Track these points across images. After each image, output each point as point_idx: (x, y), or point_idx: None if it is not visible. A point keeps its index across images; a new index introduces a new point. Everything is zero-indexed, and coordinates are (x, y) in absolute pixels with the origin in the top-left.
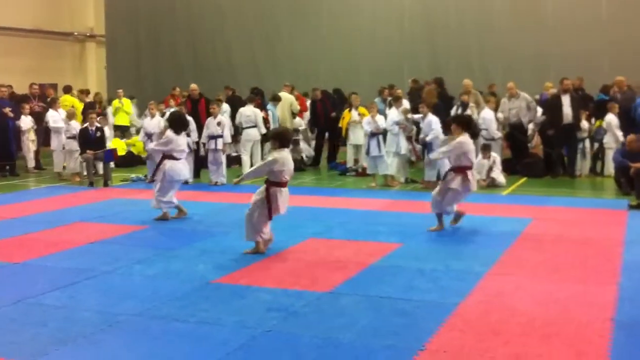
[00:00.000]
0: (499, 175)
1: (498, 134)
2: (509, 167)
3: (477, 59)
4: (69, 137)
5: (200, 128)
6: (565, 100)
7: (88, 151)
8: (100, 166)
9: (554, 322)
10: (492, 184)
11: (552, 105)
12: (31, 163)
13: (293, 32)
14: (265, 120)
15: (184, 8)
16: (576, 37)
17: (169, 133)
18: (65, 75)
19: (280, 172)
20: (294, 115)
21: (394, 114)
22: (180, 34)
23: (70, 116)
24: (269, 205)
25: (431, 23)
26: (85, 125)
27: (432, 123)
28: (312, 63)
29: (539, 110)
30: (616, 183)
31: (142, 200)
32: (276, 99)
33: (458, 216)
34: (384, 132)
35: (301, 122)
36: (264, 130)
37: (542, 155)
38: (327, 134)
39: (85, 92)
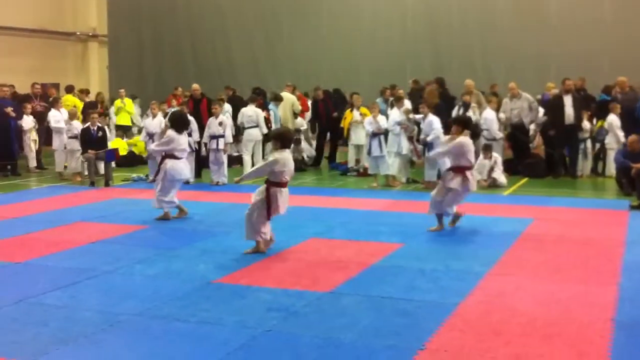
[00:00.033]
0: (500, 176)
1: (499, 135)
2: (510, 168)
3: (479, 59)
4: (70, 137)
5: (201, 128)
6: (567, 100)
7: (89, 151)
8: (101, 166)
9: (555, 323)
10: (493, 184)
11: (553, 106)
12: (33, 163)
13: (294, 32)
14: (267, 120)
15: (185, 8)
16: (578, 37)
17: (170, 132)
18: (68, 75)
19: (281, 173)
20: (295, 115)
21: (395, 114)
22: (181, 34)
23: (72, 116)
24: (268, 205)
25: (433, 23)
26: (86, 125)
27: (433, 123)
28: (313, 63)
29: (541, 110)
30: (617, 184)
31: (143, 200)
32: (278, 99)
33: (456, 217)
34: (386, 132)
35: (303, 122)
36: (265, 130)
37: (543, 156)
38: (328, 134)
39: (85, 91)
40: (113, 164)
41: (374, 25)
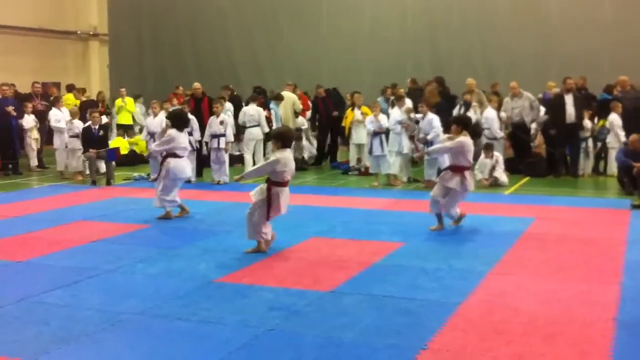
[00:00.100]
0: (501, 175)
1: (500, 134)
2: (511, 167)
3: (480, 58)
4: (71, 136)
5: (203, 127)
6: (568, 99)
7: (91, 150)
8: (102, 165)
9: (557, 322)
10: (494, 184)
11: (555, 105)
12: (34, 162)
13: (294, 31)
14: (268, 119)
15: (185, 7)
16: (579, 36)
17: (171, 131)
18: (68, 74)
19: (282, 172)
20: (296, 114)
21: (396, 113)
22: (182, 33)
23: (74, 115)
24: (269, 205)
25: (433, 22)
26: (88, 124)
27: (433, 121)
28: (314, 62)
29: (542, 109)
30: (619, 183)
31: (144, 199)
32: (279, 98)
33: (459, 217)
34: (387, 132)
35: (304, 121)
36: (267, 129)
37: (544, 155)
38: (329, 133)
39: (82, 90)
40: (113, 163)
41: (374, 25)
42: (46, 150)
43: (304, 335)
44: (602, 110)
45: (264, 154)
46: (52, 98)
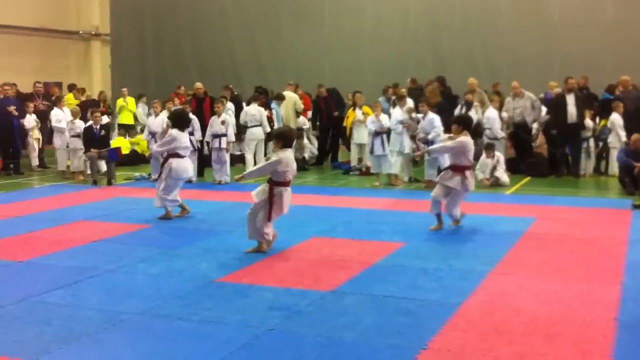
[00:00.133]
0: (502, 175)
1: (501, 134)
2: (512, 167)
3: (482, 58)
4: (73, 136)
5: (204, 127)
6: (570, 99)
7: (92, 150)
8: (102, 164)
9: (558, 322)
10: (495, 183)
11: (556, 105)
12: (35, 161)
13: (295, 31)
14: (269, 119)
15: (187, 7)
16: (581, 36)
17: (173, 131)
18: (70, 74)
19: (284, 172)
20: (298, 114)
21: (398, 113)
22: (184, 33)
23: (75, 114)
24: (271, 205)
25: (436, 22)
26: (89, 123)
27: (434, 121)
28: (316, 62)
29: (544, 109)
30: (620, 183)
31: (145, 199)
32: (280, 98)
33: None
34: (388, 131)
35: (305, 121)
36: (268, 129)
37: (546, 155)
38: (330, 133)
39: (81, 90)
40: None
41: (376, 24)
42: (47, 150)
43: (304, 335)
44: (604, 110)
45: (265, 154)
46: (53, 98)
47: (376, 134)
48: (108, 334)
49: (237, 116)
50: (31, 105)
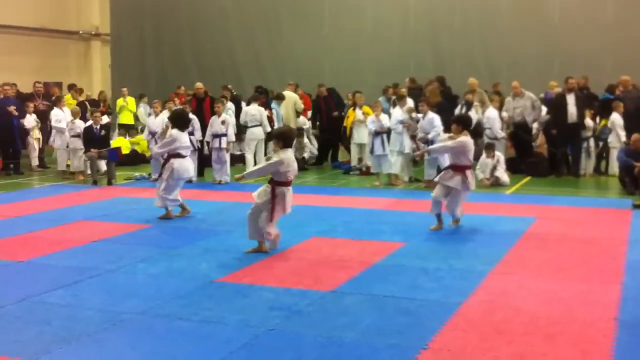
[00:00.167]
0: (502, 174)
1: (501, 134)
2: (513, 166)
3: (482, 58)
4: (73, 136)
5: (204, 127)
6: (570, 99)
7: (92, 150)
8: (102, 164)
9: (558, 322)
10: (496, 183)
11: (556, 104)
12: (35, 161)
13: (296, 30)
14: (269, 119)
15: (187, 7)
16: (581, 36)
17: (173, 131)
18: (70, 74)
19: (286, 172)
20: (298, 114)
21: (398, 112)
22: (184, 33)
23: (75, 114)
24: (274, 205)
25: (436, 22)
26: (89, 123)
27: (434, 120)
28: (316, 62)
29: (544, 109)
30: (620, 182)
31: (145, 198)
32: (280, 98)
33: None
34: (388, 131)
35: (305, 121)
36: (269, 129)
37: (546, 155)
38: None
39: (79, 90)
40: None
41: (376, 24)
42: (48, 150)
43: (304, 335)
44: (604, 109)
45: (265, 154)
46: (53, 98)
47: (376, 133)
48: (108, 334)
49: (237, 116)
50: (31, 105)
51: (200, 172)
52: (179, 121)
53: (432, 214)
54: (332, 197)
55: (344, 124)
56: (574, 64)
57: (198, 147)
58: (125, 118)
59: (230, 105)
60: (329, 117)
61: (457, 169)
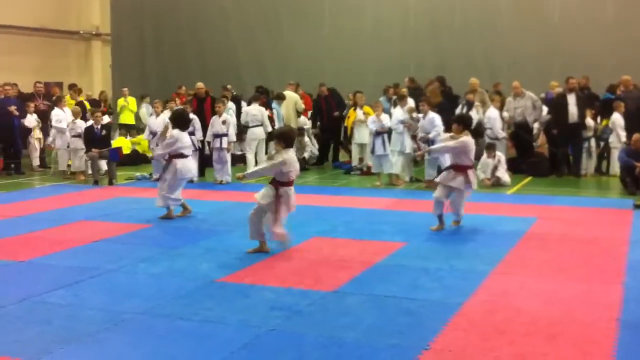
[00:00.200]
0: (503, 175)
1: (502, 134)
2: (514, 166)
3: (482, 58)
4: (74, 136)
5: (205, 127)
6: (571, 99)
7: (93, 150)
8: (103, 164)
9: (559, 322)
10: (497, 183)
11: (557, 104)
12: (36, 161)
13: (296, 30)
14: (270, 119)
15: (188, 7)
16: (582, 36)
17: (174, 132)
18: (71, 74)
19: (288, 172)
20: (298, 114)
21: (399, 112)
22: (184, 33)
23: (76, 114)
24: (279, 205)
25: (436, 22)
26: (90, 123)
27: (435, 120)
28: (316, 62)
29: (545, 109)
30: (621, 182)
31: (146, 198)
32: (281, 98)
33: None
34: (389, 131)
35: (306, 121)
36: (270, 129)
37: (547, 155)
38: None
39: (78, 90)
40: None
41: (376, 24)
42: (49, 150)
43: (305, 335)
44: (605, 109)
45: (266, 154)
46: (54, 98)
47: (377, 133)
48: (109, 333)
49: (237, 116)
50: (32, 105)
51: (201, 172)
52: (179, 121)
53: (434, 214)
54: (333, 197)
55: (345, 124)
56: (574, 63)
57: (199, 147)
58: (126, 118)
59: (231, 105)
60: (329, 117)
61: (459, 169)
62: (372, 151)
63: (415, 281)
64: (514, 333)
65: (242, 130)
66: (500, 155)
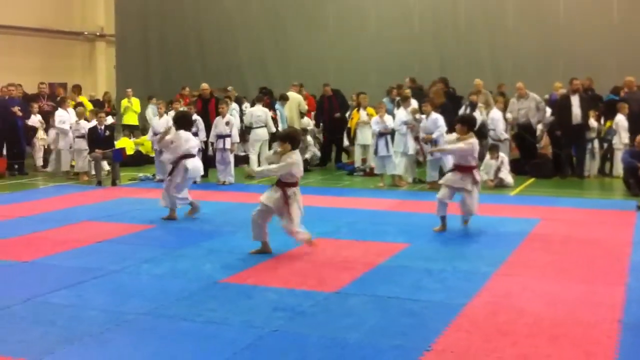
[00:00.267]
0: (507, 176)
1: (505, 135)
2: (517, 168)
3: (486, 59)
4: (77, 136)
5: (210, 128)
6: (575, 100)
7: (97, 150)
8: (105, 164)
9: (562, 323)
10: (500, 185)
11: (561, 106)
12: (40, 162)
13: (300, 31)
14: (273, 120)
15: (192, 8)
16: (585, 37)
17: (181, 133)
18: (75, 75)
19: (296, 173)
20: (302, 114)
21: (402, 113)
22: (189, 34)
23: (80, 115)
24: (290, 206)
25: (440, 22)
26: (94, 124)
27: (438, 120)
28: (320, 62)
29: (548, 110)
30: (625, 184)
31: (150, 199)
32: (284, 99)
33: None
34: (392, 132)
35: (309, 122)
36: (274, 130)
37: (550, 156)
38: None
39: (76, 90)
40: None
41: (380, 25)
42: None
43: (308, 336)
44: (609, 111)
45: None
46: (58, 98)
47: (380, 134)
48: (112, 334)
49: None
50: (35, 106)
51: (204, 173)
52: (182, 122)
53: (438, 215)
54: (336, 198)
55: (349, 125)
56: (578, 65)
57: (202, 147)
58: (130, 119)
59: (234, 106)
60: (331, 117)
61: (465, 169)
62: (375, 152)
63: (418, 282)
64: (517, 334)
65: (244, 131)
66: (504, 157)
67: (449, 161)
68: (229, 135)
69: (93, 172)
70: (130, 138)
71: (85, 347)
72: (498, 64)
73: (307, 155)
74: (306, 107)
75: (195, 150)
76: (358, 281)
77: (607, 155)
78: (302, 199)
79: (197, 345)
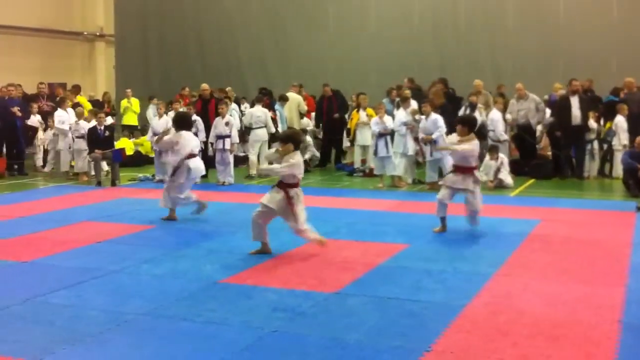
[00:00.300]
0: (506, 177)
1: (504, 136)
2: (516, 169)
3: (486, 60)
4: (77, 137)
5: (209, 128)
6: (574, 101)
7: (96, 150)
8: (104, 165)
9: (562, 324)
10: (499, 185)
11: (560, 107)
12: (40, 162)
13: (300, 31)
14: (273, 121)
15: (191, 9)
16: (585, 38)
17: (183, 133)
18: (75, 75)
19: (298, 174)
20: (301, 115)
21: (401, 114)
22: (188, 34)
23: (79, 115)
24: (294, 207)
25: (440, 23)
26: (93, 124)
27: (438, 121)
28: (320, 63)
29: (548, 111)
30: (624, 185)
31: (149, 199)
32: (284, 99)
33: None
34: (392, 133)
35: (309, 122)
36: (274, 130)
37: (550, 157)
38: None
39: (75, 90)
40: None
41: (380, 25)
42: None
43: (308, 336)
44: (609, 112)
45: None
46: (58, 99)
47: (380, 135)
48: (112, 334)
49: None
50: (35, 106)
51: (204, 173)
52: (182, 123)
53: (438, 215)
54: (335, 198)
55: (348, 126)
56: (578, 66)
57: (202, 148)
58: (129, 119)
59: (234, 106)
60: (329, 118)
61: (466, 170)
62: (375, 153)
63: (418, 283)
64: (517, 335)
65: (245, 131)
66: (503, 157)
67: (449, 162)
68: (229, 136)
69: (92, 173)
70: (129, 138)
71: (85, 347)
72: (498, 65)
73: (307, 156)
74: (306, 108)
75: (197, 150)
76: (358, 282)
77: (607, 156)
78: (303, 199)
79: (197, 346)
